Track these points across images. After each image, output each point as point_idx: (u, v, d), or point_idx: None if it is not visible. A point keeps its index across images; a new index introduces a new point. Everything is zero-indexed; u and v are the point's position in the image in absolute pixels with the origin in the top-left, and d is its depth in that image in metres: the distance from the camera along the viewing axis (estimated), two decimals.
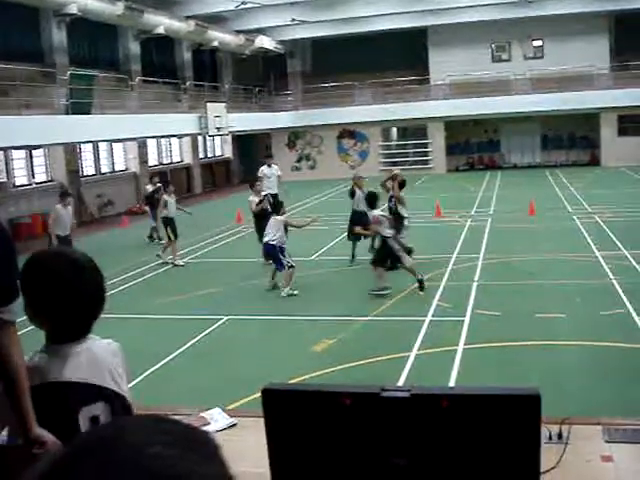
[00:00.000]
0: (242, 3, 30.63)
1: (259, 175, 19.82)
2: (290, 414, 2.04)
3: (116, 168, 31.73)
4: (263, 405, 2.06)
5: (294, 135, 41.61)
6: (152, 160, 33.90)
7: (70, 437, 2.44)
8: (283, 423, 2.05)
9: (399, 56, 40.10)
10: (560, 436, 2.98)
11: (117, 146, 31.48)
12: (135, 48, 32.30)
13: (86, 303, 2.57)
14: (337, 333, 10.62)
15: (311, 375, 8.81)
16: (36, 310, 2.53)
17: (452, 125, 39.40)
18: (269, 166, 20.62)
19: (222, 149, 42.25)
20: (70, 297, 2.52)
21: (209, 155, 40.72)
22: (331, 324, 11.25)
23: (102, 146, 30.44)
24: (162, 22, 30.77)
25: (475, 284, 13.16)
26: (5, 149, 23.43)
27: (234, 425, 4.55)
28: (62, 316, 2.55)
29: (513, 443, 1.98)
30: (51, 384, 2.53)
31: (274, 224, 13.45)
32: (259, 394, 6.32)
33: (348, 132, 41.04)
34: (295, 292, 13.19)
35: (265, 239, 13.55)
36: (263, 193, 18.25)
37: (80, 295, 2.53)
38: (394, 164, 40.16)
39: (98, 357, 2.63)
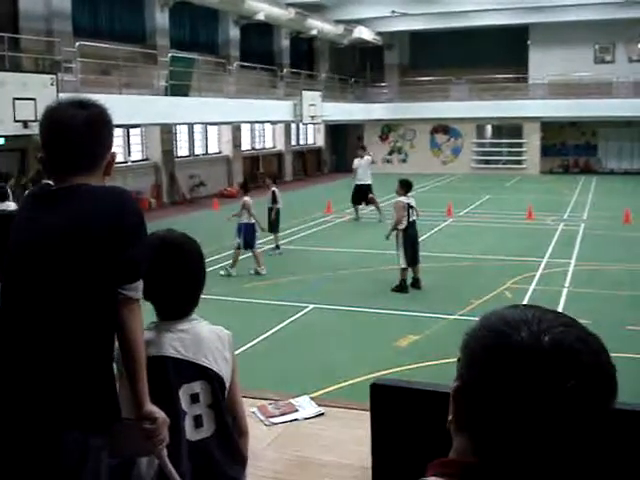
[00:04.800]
0: None
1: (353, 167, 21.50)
2: (398, 410, 2.02)
3: (209, 151, 32.19)
4: (371, 399, 2.05)
5: (387, 127, 41.38)
6: (245, 145, 34.28)
7: (169, 413, 2.54)
8: (390, 418, 2.03)
9: (497, 53, 39.37)
10: None
11: (211, 129, 31.93)
12: (235, 33, 32.64)
13: (191, 284, 2.76)
14: (422, 329, 10.56)
15: (393, 370, 8.76)
16: (145, 289, 2.63)
17: (548, 126, 38.63)
18: (361, 157, 21.18)
19: (314, 138, 42.39)
20: (176, 278, 2.71)
21: (301, 143, 40.90)
22: (416, 320, 11.19)
23: (197, 128, 30.92)
24: (263, 8, 30.94)
25: (565, 290, 12.89)
26: None
27: (322, 414, 4.58)
28: (168, 295, 2.73)
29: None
30: (153, 358, 2.61)
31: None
32: (343, 384, 6.34)
33: (442, 127, 40.66)
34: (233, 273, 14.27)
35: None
36: (358, 183, 19.60)
37: (186, 276, 2.74)
38: (487, 162, 39.71)
39: (202, 337, 2.74)
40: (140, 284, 2.54)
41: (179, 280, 2.71)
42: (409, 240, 12.75)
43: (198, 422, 2.69)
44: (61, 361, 2.47)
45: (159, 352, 2.66)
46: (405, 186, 12.97)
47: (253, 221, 14.48)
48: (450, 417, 1.19)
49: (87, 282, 2.46)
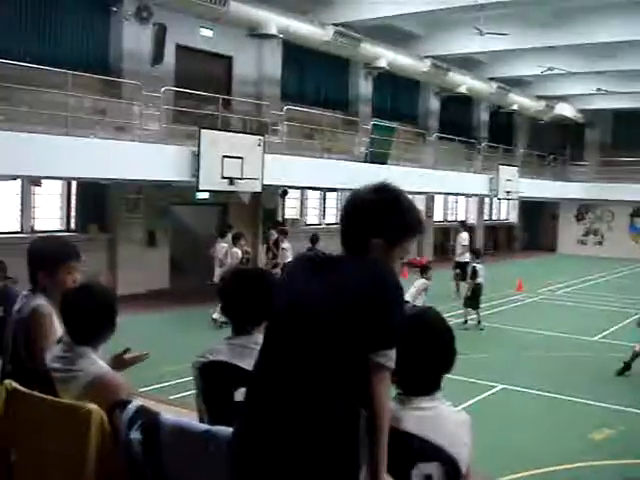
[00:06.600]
0: (548, 69, 30.19)
1: None
2: None
3: None
4: None
5: (584, 208, 40.17)
6: (437, 216, 34.26)
7: None
8: None
9: None
10: None
11: None
12: (435, 104, 32.99)
13: (436, 362, 2.77)
14: (618, 423, 9.99)
15: (588, 464, 8.34)
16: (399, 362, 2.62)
17: None
18: None
19: (507, 213, 41.77)
20: (423, 355, 2.74)
21: (493, 217, 40.40)
22: (613, 412, 10.60)
23: None
24: (464, 81, 31.17)
25: None
26: (303, 189, 24.96)
27: None
28: (415, 372, 2.74)
29: None
30: (391, 431, 2.57)
31: None
32: (534, 472, 6.08)
33: None
34: None
35: None
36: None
37: (432, 354, 2.76)
38: None
39: (443, 418, 2.71)
40: (393, 353, 2.55)
41: (426, 357, 2.73)
42: None
43: None
44: (308, 423, 2.49)
45: (398, 426, 2.62)
46: None
47: None
48: None
49: (344, 346, 2.51)
